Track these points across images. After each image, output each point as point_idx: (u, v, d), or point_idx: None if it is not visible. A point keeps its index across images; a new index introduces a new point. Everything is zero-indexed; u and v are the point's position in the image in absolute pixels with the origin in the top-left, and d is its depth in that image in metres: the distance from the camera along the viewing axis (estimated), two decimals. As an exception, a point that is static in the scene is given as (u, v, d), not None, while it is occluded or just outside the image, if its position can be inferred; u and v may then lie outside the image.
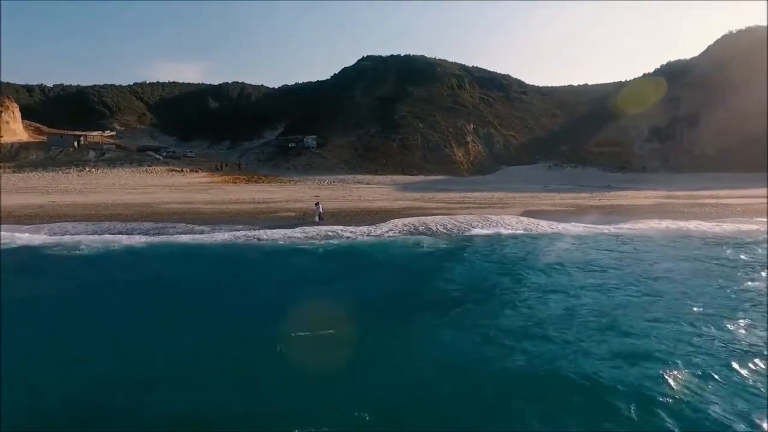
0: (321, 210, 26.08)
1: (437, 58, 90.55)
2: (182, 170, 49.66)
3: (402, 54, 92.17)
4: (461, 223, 25.01)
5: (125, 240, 19.50)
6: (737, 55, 62.68)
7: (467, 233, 22.97)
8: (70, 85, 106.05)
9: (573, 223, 25.11)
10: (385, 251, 19.28)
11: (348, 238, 21.40)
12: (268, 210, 29.29)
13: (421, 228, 23.47)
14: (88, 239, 19.61)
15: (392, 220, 25.79)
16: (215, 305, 12.61)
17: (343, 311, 11.44)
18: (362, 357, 9.25)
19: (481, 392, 8.01)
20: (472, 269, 16.57)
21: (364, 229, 23.13)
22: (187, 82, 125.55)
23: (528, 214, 28.53)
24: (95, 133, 60.66)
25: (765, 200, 34.38)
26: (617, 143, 59.36)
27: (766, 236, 22.24)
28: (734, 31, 71.26)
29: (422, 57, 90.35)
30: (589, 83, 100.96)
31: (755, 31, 67.23)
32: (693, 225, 25.06)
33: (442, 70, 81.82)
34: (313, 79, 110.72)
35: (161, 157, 56.06)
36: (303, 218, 25.71)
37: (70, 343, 9.85)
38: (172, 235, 21.03)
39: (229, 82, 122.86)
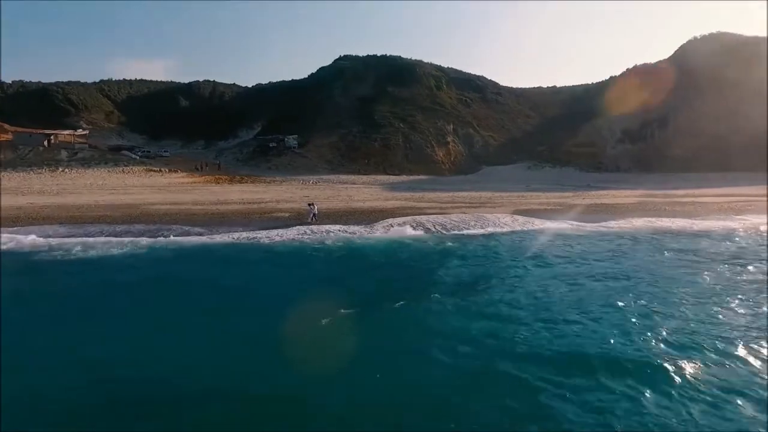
0: (316, 210, 25.77)
1: (413, 58, 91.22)
2: (161, 170, 48.16)
3: (378, 54, 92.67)
4: (458, 222, 25.29)
5: (127, 242, 18.80)
6: (702, 60, 65.77)
7: (466, 232, 23.27)
8: (31, 81, 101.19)
9: (566, 222, 25.83)
10: (394, 250, 19.31)
11: (351, 237, 21.34)
12: (261, 210, 28.81)
13: (419, 228, 23.60)
14: (83, 242, 18.78)
15: (388, 220, 25.85)
16: (239, 306, 12.38)
17: (368, 307, 11.81)
18: (402, 349, 9.51)
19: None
20: (483, 266, 16.81)
21: (365, 228, 23.10)
22: (155, 79, 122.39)
23: (519, 212, 29.10)
24: (66, 132, 58.00)
25: (737, 198, 36.35)
26: (592, 144, 61.36)
27: (745, 232, 23.66)
28: (698, 37, 74.92)
29: (399, 57, 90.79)
30: (557, 85, 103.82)
31: (718, 37, 70.90)
32: (678, 223, 26.19)
33: (421, 70, 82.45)
34: (287, 78, 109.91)
35: (137, 157, 54.20)
36: (299, 219, 25.34)
37: (92, 349, 9.47)
38: (167, 236, 20.39)
39: (200, 80, 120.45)
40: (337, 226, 23.47)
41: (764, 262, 16.55)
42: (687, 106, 60.75)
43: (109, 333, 10.34)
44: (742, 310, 11.42)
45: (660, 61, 79.91)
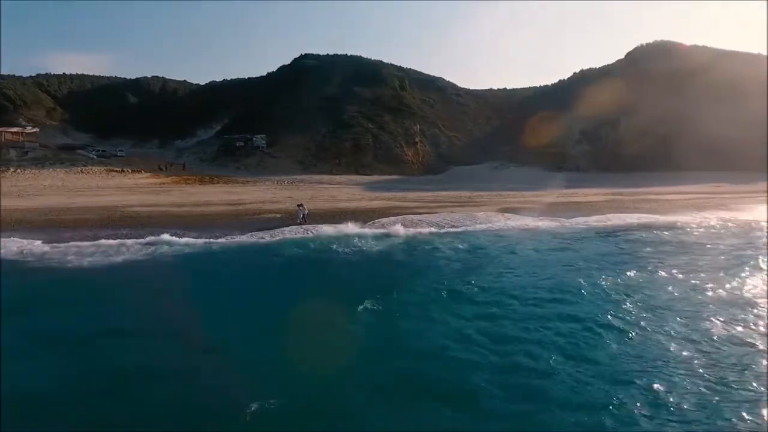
0: (306, 211, 25.34)
1: (372, 59, 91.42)
2: (123, 170, 45.50)
3: (338, 53, 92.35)
4: (452, 220, 25.72)
5: (129, 246, 17.73)
6: (648, 66, 70.68)
7: (463, 229, 23.79)
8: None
9: (552, 219, 26.88)
10: (405, 247, 19.41)
11: (353, 236, 21.23)
12: (248, 212, 28.04)
13: (418, 226, 23.84)
14: (78, 248, 17.53)
15: (381, 219, 26.02)
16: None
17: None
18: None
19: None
20: (498, 258, 17.40)
21: (365, 228, 23.09)
22: (96, 74, 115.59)
23: (505, 210, 30.04)
24: (13, 130, 53.37)
25: (692, 196, 39.39)
26: (554, 145, 64.30)
27: (717, 224, 25.95)
28: (644, 45, 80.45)
29: (361, 57, 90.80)
30: (507, 87, 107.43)
31: (663, 45, 76.64)
32: (653, 218, 28.07)
33: (385, 71, 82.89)
34: (241, 76, 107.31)
35: (94, 156, 50.93)
36: (292, 220, 24.77)
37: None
38: (158, 236, 19.40)
39: (149, 76, 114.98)
40: (332, 227, 23.25)
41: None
42: (635, 109, 65.02)
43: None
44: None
45: (605, 66, 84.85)
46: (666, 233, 23.53)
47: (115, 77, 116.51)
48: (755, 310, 11.39)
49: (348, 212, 28.85)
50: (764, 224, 25.70)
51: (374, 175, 55.43)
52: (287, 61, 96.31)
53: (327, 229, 22.64)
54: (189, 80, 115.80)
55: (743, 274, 14.89)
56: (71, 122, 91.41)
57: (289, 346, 9.52)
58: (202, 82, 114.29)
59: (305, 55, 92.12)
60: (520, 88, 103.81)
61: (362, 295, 12.26)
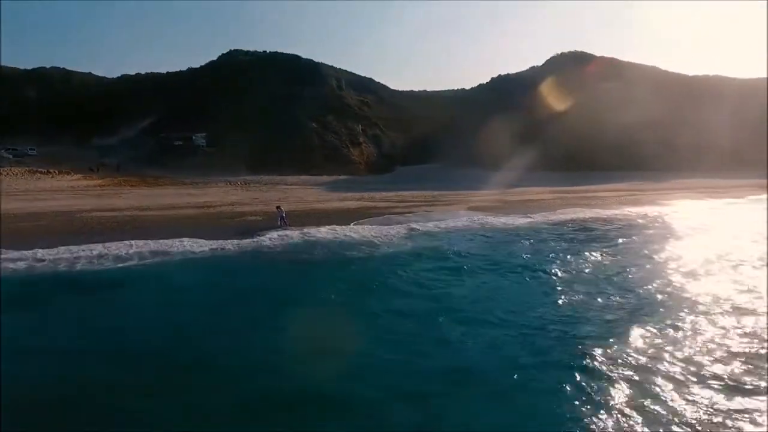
0: (284, 214, 24.77)
1: (305, 57, 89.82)
2: (49, 172, 40.48)
3: (269, 50, 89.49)
4: (436, 219, 26.50)
5: (131, 253, 16.26)
6: (565, 73, 77.30)
7: (452, 226, 24.77)
8: None
9: (523, 216, 28.56)
10: (416, 246, 19.78)
11: (358, 238, 21.21)
12: (224, 214, 26.83)
13: (410, 226, 24.31)
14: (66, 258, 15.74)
15: (365, 220, 26.26)
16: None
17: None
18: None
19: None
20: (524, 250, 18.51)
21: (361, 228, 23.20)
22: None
23: (474, 209, 31.44)
24: None
25: (621, 193, 44.13)
26: (490, 145, 67.79)
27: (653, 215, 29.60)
28: (559, 54, 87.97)
29: (297, 56, 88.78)
30: (427, 89, 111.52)
31: (580, 55, 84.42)
32: (604, 212, 31.15)
33: (324, 70, 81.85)
34: (157, 70, 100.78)
35: (11, 156, 44.70)
36: (274, 222, 23.97)
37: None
38: (149, 241, 18.01)
39: (47, 66, 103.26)
40: (326, 229, 22.99)
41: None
42: (561, 112, 70.94)
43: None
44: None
45: (520, 72, 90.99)
46: (620, 224, 26.77)
47: (4, 66, 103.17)
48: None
49: (328, 213, 28.62)
50: (686, 215, 30.35)
51: (324, 176, 54.72)
52: (213, 57, 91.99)
53: (322, 231, 22.36)
54: (94, 72, 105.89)
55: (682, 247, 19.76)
56: (-48, 117, 79.01)
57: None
58: (110, 75, 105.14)
59: (235, 50, 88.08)
60: (443, 90, 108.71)
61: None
